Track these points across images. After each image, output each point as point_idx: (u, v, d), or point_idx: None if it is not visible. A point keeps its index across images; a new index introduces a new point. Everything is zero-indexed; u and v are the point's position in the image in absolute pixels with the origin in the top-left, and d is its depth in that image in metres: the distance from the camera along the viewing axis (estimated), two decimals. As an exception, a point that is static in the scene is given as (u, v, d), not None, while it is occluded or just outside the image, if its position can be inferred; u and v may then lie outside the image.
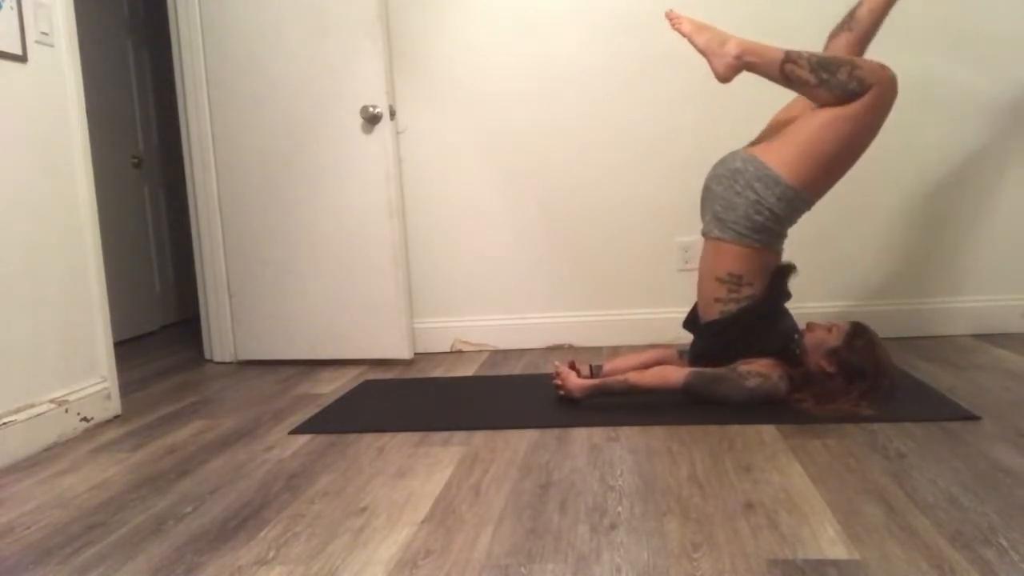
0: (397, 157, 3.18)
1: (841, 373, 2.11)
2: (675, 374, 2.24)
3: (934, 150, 3.04)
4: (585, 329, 3.28)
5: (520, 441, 2.05)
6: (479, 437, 2.11)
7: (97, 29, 4.05)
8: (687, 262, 3.17)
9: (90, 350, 2.48)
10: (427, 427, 2.21)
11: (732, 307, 2.23)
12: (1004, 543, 1.35)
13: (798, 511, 1.52)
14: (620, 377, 2.29)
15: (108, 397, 2.53)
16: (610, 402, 2.28)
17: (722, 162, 2.28)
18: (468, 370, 2.98)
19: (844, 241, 3.12)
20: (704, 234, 2.30)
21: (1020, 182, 3.02)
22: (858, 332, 2.14)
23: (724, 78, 2.21)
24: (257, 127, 3.17)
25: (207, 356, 3.45)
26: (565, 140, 3.22)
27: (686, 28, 2.26)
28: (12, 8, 2.22)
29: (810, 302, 3.08)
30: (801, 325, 2.27)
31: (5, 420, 2.12)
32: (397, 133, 3.23)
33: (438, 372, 2.98)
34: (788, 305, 2.33)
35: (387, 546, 1.48)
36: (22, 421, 2.17)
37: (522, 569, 1.35)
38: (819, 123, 2.11)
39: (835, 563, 1.31)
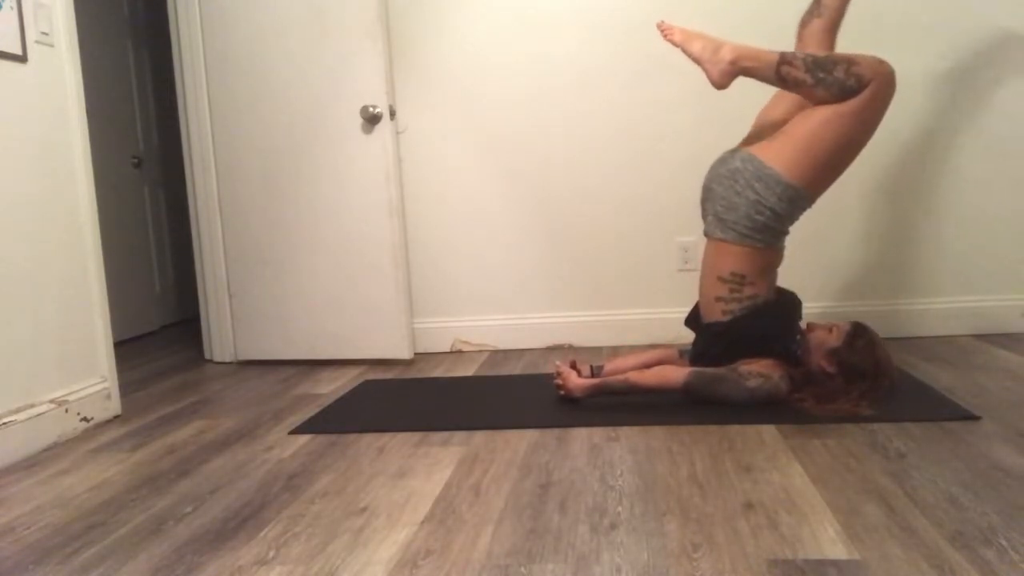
0: (397, 157, 3.18)
1: (841, 373, 2.12)
2: (676, 374, 2.24)
3: (934, 150, 3.04)
4: (585, 329, 3.28)
5: (520, 441, 2.05)
6: (479, 437, 2.11)
7: (97, 29, 4.05)
8: (687, 262, 3.17)
9: (90, 350, 2.48)
10: (427, 427, 2.21)
11: (734, 306, 2.23)
12: (1004, 543, 1.35)
13: (798, 511, 1.52)
14: (620, 377, 2.29)
15: (108, 397, 2.53)
16: (610, 402, 2.28)
17: (722, 162, 2.28)
18: (468, 370, 2.98)
19: (844, 241, 3.12)
20: (706, 234, 2.31)
21: (1021, 182, 3.02)
22: (858, 332, 2.14)
23: (720, 85, 2.22)
24: (257, 127, 3.17)
25: (207, 356, 3.45)
26: (565, 140, 3.22)
27: (678, 38, 2.26)
28: (12, 8, 2.22)
29: (810, 302, 3.08)
30: (801, 325, 2.27)
31: (5, 420, 2.12)
32: (397, 133, 3.23)
33: (438, 372, 2.98)
34: (788, 305, 2.33)
35: (387, 546, 1.48)
36: (22, 421, 2.17)
37: (522, 569, 1.35)
38: (818, 120, 2.11)
39: (835, 563, 1.31)
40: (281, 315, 3.23)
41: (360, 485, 1.80)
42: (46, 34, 2.35)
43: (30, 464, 2.12)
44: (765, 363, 2.20)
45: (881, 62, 2.08)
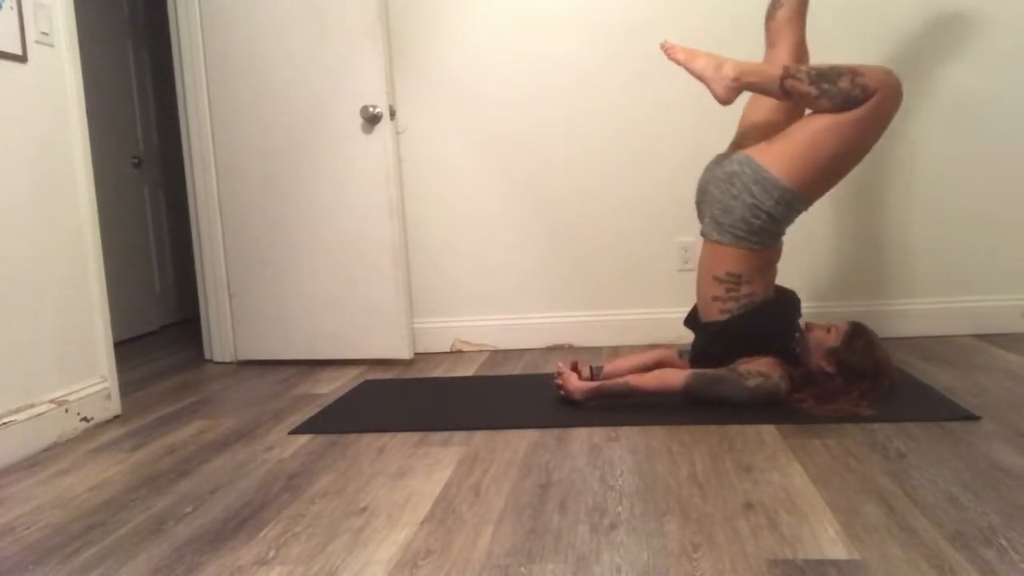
0: (397, 157, 3.18)
1: (841, 373, 2.12)
2: (675, 376, 2.24)
3: (934, 150, 3.04)
4: (585, 329, 3.28)
5: (520, 441, 2.05)
6: (479, 437, 2.11)
7: (97, 29, 4.05)
8: (687, 262, 3.17)
9: (90, 350, 2.49)
10: (427, 427, 2.21)
11: (731, 305, 2.23)
12: (1004, 543, 1.35)
13: (798, 511, 1.52)
14: (620, 380, 2.29)
15: (108, 397, 2.53)
16: (610, 402, 2.28)
17: (718, 164, 2.28)
18: (468, 370, 2.98)
19: (843, 241, 3.12)
20: (703, 235, 2.31)
21: (1021, 182, 3.02)
22: (857, 332, 2.14)
23: (725, 100, 2.22)
24: (257, 127, 3.17)
25: (207, 356, 3.45)
26: (565, 140, 3.22)
27: (681, 56, 2.27)
28: (12, 8, 2.22)
29: (808, 302, 3.08)
30: (800, 324, 2.27)
31: (5, 420, 2.12)
32: (397, 133, 3.23)
33: (438, 372, 2.98)
34: (788, 305, 2.33)
35: (387, 546, 1.48)
36: (22, 421, 2.17)
37: (522, 569, 1.35)
38: (821, 126, 2.10)
39: (835, 563, 1.31)
40: (281, 315, 3.23)
41: (360, 485, 1.80)
42: (46, 34, 2.35)
43: (30, 464, 2.12)
44: (765, 362, 2.20)
45: (888, 72, 2.07)
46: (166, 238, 4.67)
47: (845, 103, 2.06)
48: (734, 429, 2.04)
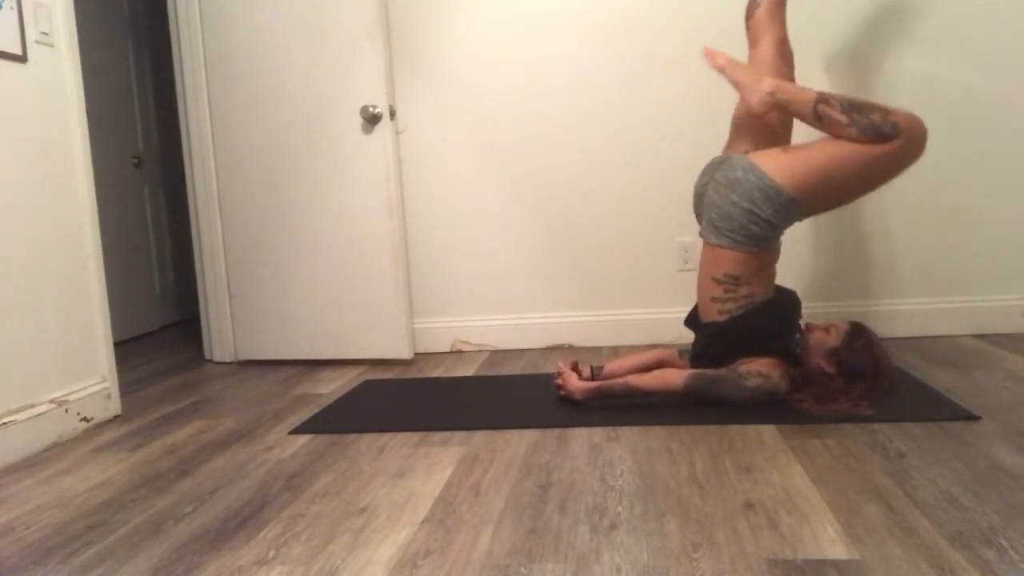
0: (397, 157, 3.18)
1: (841, 373, 2.12)
2: (675, 376, 2.24)
3: (934, 150, 3.04)
4: (585, 329, 3.28)
5: (520, 441, 2.05)
6: (479, 437, 2.11)
7: (97, 29, 4.05)
8: (687, 262, 3.17)
9: (90, 350, 2.49)
10: (427, 427, 2.21)
11: (730, 306, 2.23)
12: (1004, 543, 1.35)
13: (798, 511, 1.52)
14: (620, 380, 2.29)
15: (108, 397, 2.53)
16: (610, 402, 2.28)
17: (717, 168, 2.29)
18: (468, 370, 2.98)
19: (844, 241, 3.12)
20: (701, 237, 2.31)
21: (1020, 182, 3.02)
22: (857, 332, 2.14)
23: (759, 111, 2.23)
24: (257, 127, 3.17)
25: (207, 356, 3.45)
26: (565, 140, 3.22)
27: (721, 62, 2.29)
28: (12, 8, 2.22)
29: (809, 302, 3.08)
30: (800, 324, 2.27)
31: (5, 420, 2.12)
32: (397, 133, 3.23)
33: (438, 372, 2.98)
34: (788, 305, 2.33)
35: (387, 546, 1.48)
36: (22, 421, 2.17)
37: (522, 569, 1.35)
38: (845, 152, 2.12)
39: (835, 563, 1.31)
40: (281, 315, 3.23)
41: (360, 485, 1.80)
42: (46, 34, 2.35)
43: (30, 464, 2.12)
44: (765, 362, 2.20)
45: (916, 117, 2.10)
46: (166, 238, 4.67)
47: (874, 135, 2.08)
48: (734, 429, 2.04)
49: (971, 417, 2.02)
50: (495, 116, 3.24)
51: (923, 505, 1.52)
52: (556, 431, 2.12)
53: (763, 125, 2.32)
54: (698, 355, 2.32)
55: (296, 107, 3.11)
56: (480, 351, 3.32)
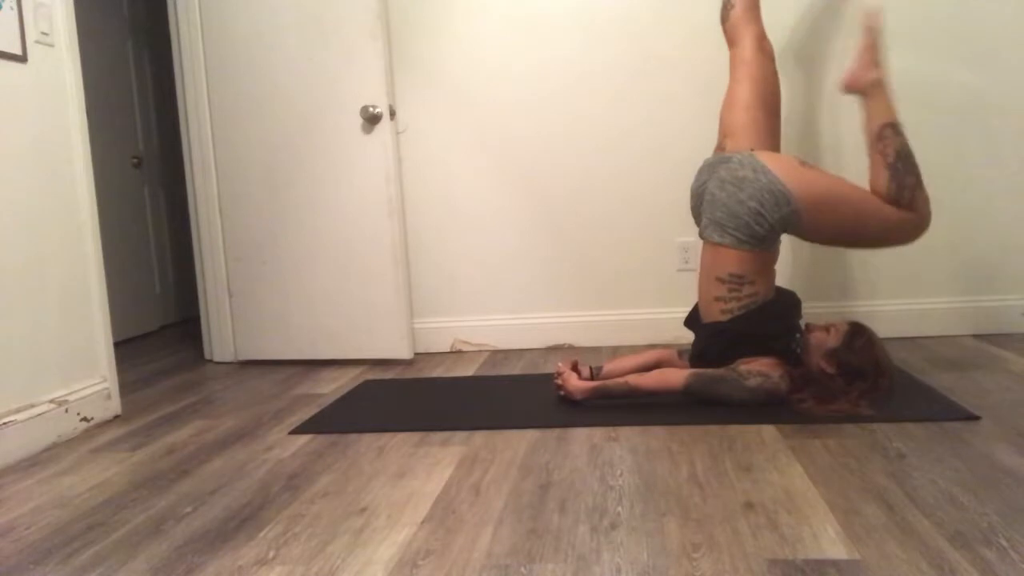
0: (397, 157, 3.18)
1: (841, 373, 2.11)
2: (675, 376, 2.24)
3: (933, 150, 3.04)
4: (585, 329, 3.28)
5: (520, 441, 2.05)
6: (479, 437, 2.11)
7: (97, 29, 4.05)
8: (687, 262, 3.17)
9: (90, 350, 2.48)
10: (427, 427, 2.21)
11: (733, 305, 2.23)
12: (1004, 543, 1.35)
13: (798, 511, 1.52)
14: (620, 380, 2.29)
15: (108, 397, 2.53)
16: (610, 402, 2.28)
17: (720, 166, 2.29)
18: (468, 370, 2.98)
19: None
20: (703, 238, 2.31)
21: (1020, 182, 3.02)
22: (857, 332, 2.14)
23: (848, 85, 2.30)
24: (257, 127, 3.17)
25: (207, 356, 3.45)
26: (566, 139, 3.22)
27: (877, 26, 2.31)
28: (12, 8, 2.22)
29: (809, 302, 3.07)
30: (800, 324, 2.27)
31: (5, 420, 2.12)
32: (397, 133, 3.23)
33: (438, 372, 2.98)
34: (788, 305, 2.33)
35: (387, 546, 1.48)
36: (22, 421, 2.17)
37: (522, 569, 1.35)
38: (860, 193, 2.20)
39: (835, 563, 1.31)
40: (281, 315, 3.23)
41: (360, 485, 1.80)
42: (46, 34, 2.35)
43: (30, 464, 2.12)
44: (765, 362, 2.20)
45: (929, 213, 2.20)
46: (166, 238, 4.67)
47: (891, 193, 2.16)
48: (734, 429, 2.04)
49: (971, 417, 2.02)
50: (495, 116, 3.24)
51: (923, 505, 1.52)
52: (556, 431, 2.12)
53: (754, 120, 2.36)
54: (698, 355, 2.32)
55: (296, 107, 3.11)
56: (480, 351, 3.32)
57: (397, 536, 1.52)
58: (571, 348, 3.27)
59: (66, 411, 2.33)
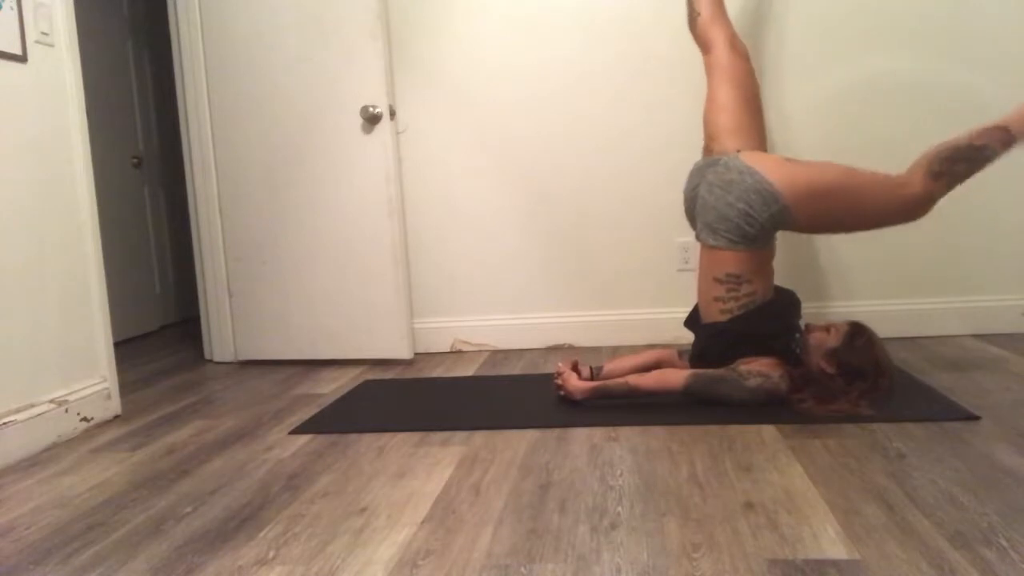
0: (397, 157, 3.18)
1: (841, 373, 2.11)
2: (675, 376, 2.24)
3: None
4: (585, 329, 3.28)
5: (520, 441, 2.05)
6: (479, 437, 2.11)
7: (97, 29, 4.05)
8: (687, 262, 3.17)
9: (90, 350, 2.48)
10: (427, 427, 2.21)
11: (732, 305, 2.23)
12: (1004, 543, 1.35)
13: (798, 511, 1.52)
14: (620, 380, 2.29)
15: (108, 397, 2.53)
16: (610, 402, 2.28)
17: (708, 170, 2.29)
18: (468, 370, 2.98)
19: (844, 240, 3.12)
20: (698, 240, 2.32)
21: (1020, 182, 3.02)
22: (857, 332, 2.14)
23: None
24: (257, 127, 3.17)
25: (207, 356, 3.45)
26: (565, 140, 3.22)
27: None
28: (12, 8, 2.22)
29: (809, 302, 3.08)
30: (800, 325, 2.27)
31: (5, 420, 2.12)
32: (397, 133, 3.23)
33: (438, 372, 2.98)
34: (789, 305, 2.33)
35: (387, 546, 1.48)
36: (22, 421, 2.17)
37: (522, 569, 1.35)
38: (863, 178, 2.20)
39: (835, 563, 1.31)
40: (281, 315, 3.23)
41: (360, 485, 1.80)
42: (46, 34, 2.35)
43: (30, 464, 2.12)
44: (765, 362, 2.20)
45: (934, 201, 2.21)
46: (166, 238, 4.67)
47: (936, 166, 2.18)
48: (734, 429, 2.04)
49: (971, 417, 2.02)
50: (495, 116, 3.24)
51: (923, 505, 1.52)
52: (556, 431, 2.12)
53: (740, 123, 2.37)
54: (698, 355, 2.32)
55: (296, 107, 3.10)
56: (480, 351, 3.32)
57: (397, 536, 1.52)
58: (571, 348, 3.27)
59: (66, 411, 2.33)
